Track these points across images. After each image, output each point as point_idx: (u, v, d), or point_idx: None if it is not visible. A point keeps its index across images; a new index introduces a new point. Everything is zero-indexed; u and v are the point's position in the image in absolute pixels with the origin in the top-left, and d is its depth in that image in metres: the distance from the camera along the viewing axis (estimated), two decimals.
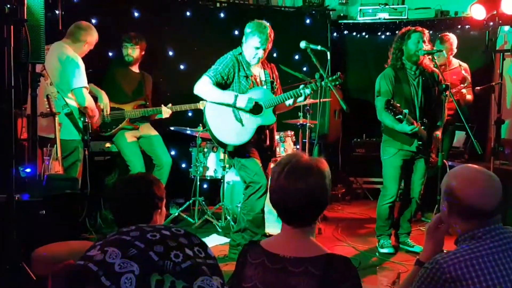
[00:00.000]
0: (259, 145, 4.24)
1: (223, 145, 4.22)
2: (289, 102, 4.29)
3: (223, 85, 4.14)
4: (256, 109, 4.16)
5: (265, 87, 4.27)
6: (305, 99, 4.25)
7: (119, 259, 1.41)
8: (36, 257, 2.87)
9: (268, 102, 4.18)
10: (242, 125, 4.15)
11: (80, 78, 4.45)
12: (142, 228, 1.60)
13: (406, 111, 4.10)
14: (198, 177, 5.36)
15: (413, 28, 4.46)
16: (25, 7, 3.28)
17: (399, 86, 4.39)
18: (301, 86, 4.19)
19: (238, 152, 4.20)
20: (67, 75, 4.41)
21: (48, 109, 4.07)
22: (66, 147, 4.43)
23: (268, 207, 4.59)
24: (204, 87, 4.10)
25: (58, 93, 4.40)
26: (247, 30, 4.15)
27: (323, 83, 4.02)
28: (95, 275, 1.39)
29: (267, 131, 4.30)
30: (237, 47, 4.23)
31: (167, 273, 1.42)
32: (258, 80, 4.26)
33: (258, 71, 4.28)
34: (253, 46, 4.11)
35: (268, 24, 4.19)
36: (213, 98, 4.13)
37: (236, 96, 4.07)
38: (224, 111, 4.14)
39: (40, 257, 2.86)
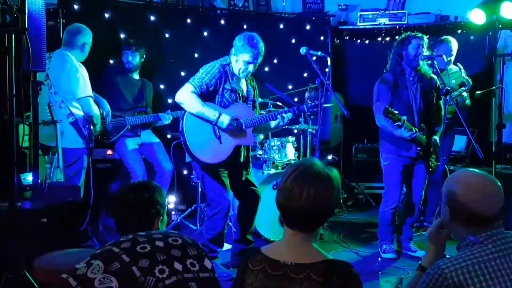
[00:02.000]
0: (233, 161, 4.07)
1: (196, 160, 3.98)
2: (274, 123, 4.17)
3: (206, 95, 3.94)
4: (236, 128, 3.99)
5: (247, 103, 4.16)
6: (286, 123, 4.13)
7: (101, 274, 1.41)
8: (38, 265, 2.87)
9: (250, 121, 4.04)
10: (220, 142, 3.97)
11: (85, 88, 4.46)
12: (136, 239, 1.60)
13: (404, 117, 4.10)
14: (200, 184, 5.36)
15: (413, 33, 4.47)
16: (26, 16, 3.29)
17: (397, 91, 4.39)
18: (285, 109, 4.14)
19: (208, 168, 4.03)
20: (72, 85, 4.41)
21: (50, 117, 4.08)
22: (71, 156, 4.44)
23: (266, 211, 4.60)
24: (186, 96, 3.88)
25: (62, 102, 4.40)
26: (238, 43, 3.96)
27: (303, 107, 4.08)
28: None
29: (243, 148, 4.14)
30: (225, 57, 4.06)
31: None
32: (241, 95, 4.11)
33: (243, 86, 4.16)
34: (244, 60, 3.95)
35: (259, 37, 4.03)
36: (194, 111, 3.89)
37: (219, 115, 3.87)
38: (204, 125, 3.93)
39: (42, 265, 2.85)
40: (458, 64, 5.46)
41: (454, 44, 5.40)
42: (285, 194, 1.84)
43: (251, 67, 4.01)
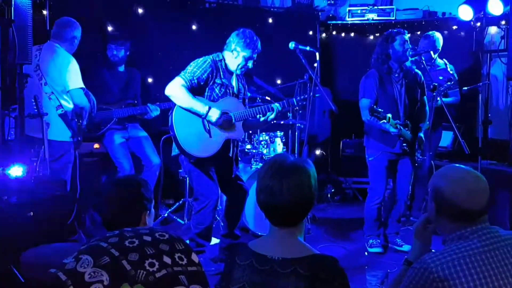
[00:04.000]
0: (222, 156, 4.06)
1: (185, 154, 3.96)
2: (263, 118, 4.12)
3: (196, 90, 3.92)
4: (226, 122, 3.99)
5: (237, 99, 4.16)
6: (276, 116, 4.11)
7: (91, 268, 1.41)
8: (24, 260, 2.86)
9: (239, 114, 4.03)
10: (210, 136, 3.95)
11: (77, 79, 4.43)
12: (123, 234, 1.60)
13: (389, 115, 4.12)
14: (187, 178, 5.35)
15: (394, 30, 4.47)
16: (12, 8, 3.26)
17: (383, 87, 4.41)
18: (276, 104, 4.12)
19: (195, 162, 4.00)
20: (63, 77, 4.38)
21: (36, 110, 4.04)
22: (59, 148, 4.41)
23: (254, 206, 4.60)
24: (176, 90, 3.85)
25: (52, 93, 4.37)
26: (240, 40, 3.96)
27: (293, 100, 4.08)
28: (64, 285, 1.39)
29: (231, 143, 4.14)
30: (217, 53, 4.05)
31: (138, 283, 1.42)
32: (231, 91, 4.10)
33: (234, 83, 4.15)
34: (245, 56, 3.97)
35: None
36: (184, 104, 3.87)
37: (209, 108, 3.86)
38: (193, 119, 3.91)
39: (29, 259, 2.84)
40: (443, 59, 5.49)
41: (439, 39, 5.43)
42: (267, 192, 1.85)
43: (250, 63, 4.04)
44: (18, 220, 3.47)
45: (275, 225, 1.89)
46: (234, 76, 4.14)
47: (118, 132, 5.12)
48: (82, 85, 4.48)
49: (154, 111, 5.14)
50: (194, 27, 6.20)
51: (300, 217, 1.89)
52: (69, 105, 4.45)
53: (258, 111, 4.09)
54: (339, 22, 7.08)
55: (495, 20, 5.79)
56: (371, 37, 7.12)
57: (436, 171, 2.11)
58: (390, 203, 4.68)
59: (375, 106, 4.08)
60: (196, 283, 1.54)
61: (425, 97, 4.60)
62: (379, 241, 4.64)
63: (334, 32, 7.31)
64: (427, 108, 4.60)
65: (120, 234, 1.54)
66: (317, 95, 4.32)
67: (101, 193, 2.18)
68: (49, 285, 1.29)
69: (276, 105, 4.08)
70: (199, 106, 3.87)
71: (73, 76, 4.40)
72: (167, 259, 1.48)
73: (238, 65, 4.02)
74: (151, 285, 1.41)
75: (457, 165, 2.07)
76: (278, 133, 5.47)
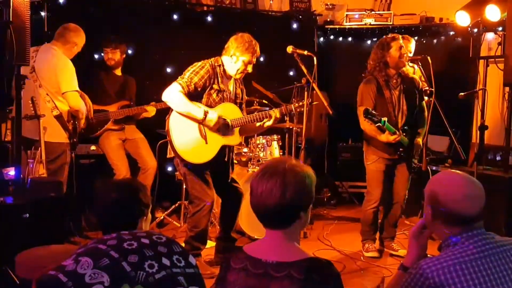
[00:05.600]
0: (217, 161, 4.05)
1: (181, 160, 3.95)
2: (259, 124, 4.14)
3: (193, 95, 3.90)
4: (223, 128, 4.00)
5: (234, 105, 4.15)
6: (273, 122, 4.11)
7: (91, 269, 1.42)
8: (19, 261, 2.85)
9: (236, 121, 4.04)
10: (206, 142, 3.94)
11: (72, 81, 4.43)
12: (121, 236, 1.60)
13: (384, 118, 4.12)
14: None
15: (389, 36, 4.47)
16: (11, 9, 3.26)
17: (381, 94, 4.41)
18: (275, 110, 4.11)
19: (190, 165, 4.00)
20: (58, 78, 4.38)
21: (33, 112, 4.04)
22: (55, 150, 4.41)
23: (250, 209, 4.59)
24: (173, 95, 3.83)
25: (47, 95, 4.37)
26: (239, 44, 3.95)
27: (292, 106, 4.08)
28: (64, 286, 1.39)
29: (227, 148, 4.13)
30: (216, 57, 4.05)
31: (138, 284, 1.43)
32: (229, 97, 4.09)
33: (232, 88, 4.15)
34: (244, 61, 3.96)
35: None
36: (181, 110, 3.85)
37: (206, 113, 3.85)
38: (190, 125, 3.90)
39: (24, 261, 2.83)
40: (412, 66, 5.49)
41: (412, 43, 5.42)
42: (252, 193, 1.87)
43: (250, 68, 4.03)
44: (14, 221, 3.46)
45: (265, 226, 1.89)
46: (232, 81, 4.14)
47: (115, 133, 5.11)
48: (77, 88, 4.47)
49: (150, 111, 5.15)
50: (192, 30, 6.20)
51: (283, 220, 1.86)
52: (64, 107, 4.45)
53: (255, 117, 4.09)
54: (337, 26, 7.09)
55: (492, 26, 5.81)
56: (369, 41, 7.14)
57: (432, 176, 2.11)
58: (386, 207, 4.68)
59: (369, 109, 4.08)
60: (195, 284, 1.54)
61: (423, 102, 4.60)
62: (375, 245, 4.64)
63: (331, 37, 7.33)
64: (425, 113, 4.60)
65: (118, 236, 1.54)
66: (314, 102, 4.34)
67: (98, 197, 2.18)
68: (45, 286, 1.29)
69: (274, 112, 4.08)
70: (196, 112, 3.86)
71: (67, 78, 4.40)
72: (165, 261, 1.50)
73: (237, 69, 4.01)
74: (151, 286, 1.42)
75: (453, 170, 2.07)
76: (275, 136, 5.47)
